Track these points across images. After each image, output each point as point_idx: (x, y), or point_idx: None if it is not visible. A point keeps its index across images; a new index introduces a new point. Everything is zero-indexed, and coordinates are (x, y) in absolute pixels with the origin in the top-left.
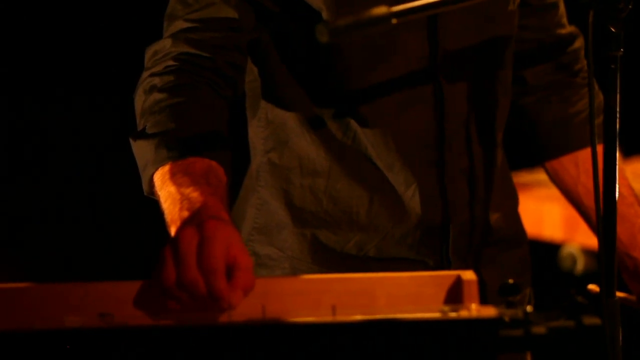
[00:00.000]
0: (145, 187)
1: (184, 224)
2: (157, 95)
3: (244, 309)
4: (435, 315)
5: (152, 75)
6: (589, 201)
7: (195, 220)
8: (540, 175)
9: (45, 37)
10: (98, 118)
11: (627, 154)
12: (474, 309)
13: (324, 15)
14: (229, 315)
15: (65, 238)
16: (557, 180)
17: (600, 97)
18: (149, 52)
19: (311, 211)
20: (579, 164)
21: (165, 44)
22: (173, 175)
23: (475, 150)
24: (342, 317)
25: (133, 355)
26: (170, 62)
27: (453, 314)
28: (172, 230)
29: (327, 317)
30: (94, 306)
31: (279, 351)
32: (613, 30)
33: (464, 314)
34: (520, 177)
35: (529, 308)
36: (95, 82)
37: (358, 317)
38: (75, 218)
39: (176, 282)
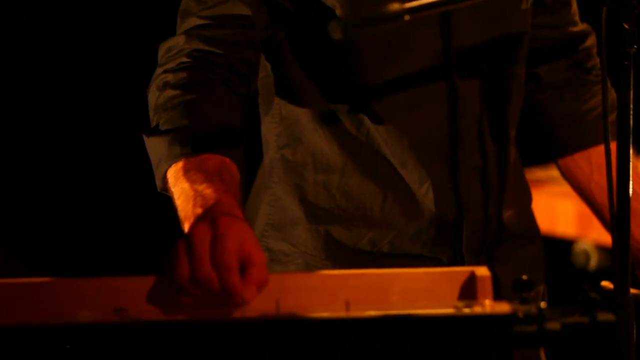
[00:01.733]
0: (158, 183)
1: (198, 221)
2: (170, 92)
3: (258, 304)
4: (449, 311)
5: (166, 72)
6: (602, 198)
7: (208, 216)
8: (554, 172)
9: (47, 37)
10: (118, 110)
11: None
12: (487, 305)
13: (338, 12)
14: (242, 311)
15: (78, 233)
16: (569, 177)
17: (613, 95)
18: (162, 49)
19: (325, 207)
20: (592, 161)
21: (178, 41)
22: (186, 172)
23: (489, 147)
24: (355, 313)
25: (147, 350)
26: (184, 59)
27: (467, 310)
28: (186, 227)
29: (341, 313)
30: (108, 301)
31: (293, 346)
32: (626, 27)
33: (477, 310)
34: (534, 174)
35: (542, 304)
36: (98, 81)
37: (372, 313)
38: (90, 213)
39: (190, 278)
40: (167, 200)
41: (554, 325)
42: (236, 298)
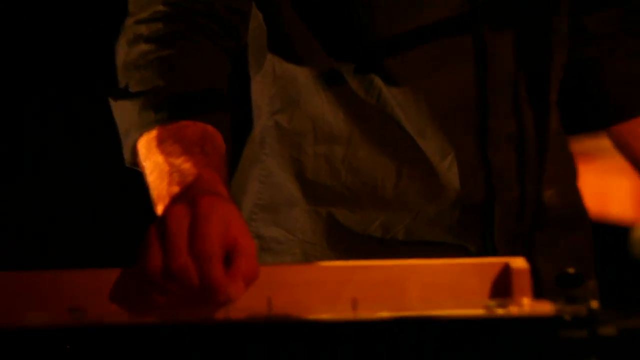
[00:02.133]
0: (127, 156)
1: (174, 201)
2: (143, 47)
3: (246, 303)
4: (479, 312)
5: (138, 22)
6: None
7: (187, 196)
8: (605, 142)
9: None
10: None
11: None
12: (526, 305)
13: None
14: (226, 311)
15: (28, 217)
16: (624, 148)
17: None
18: None
19: (327, 185)
20: None
21: None
22: (161, 142)
23: (525, 112)
24: (364, 314)
25: (109, 359)
26: (160, 7)
27: (500, 311)
28: (159, 209)
29: (346, 314)
30: (62, 299)
31: (287, 354)
32: None
33: (513, 310)
34: (580, 145)
35: (594, 304)
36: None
37: (384, 314)
38: (43, 192)
39: (163, 270)
40: (137, 176)
41: (608, 330)
42: (219, 295)
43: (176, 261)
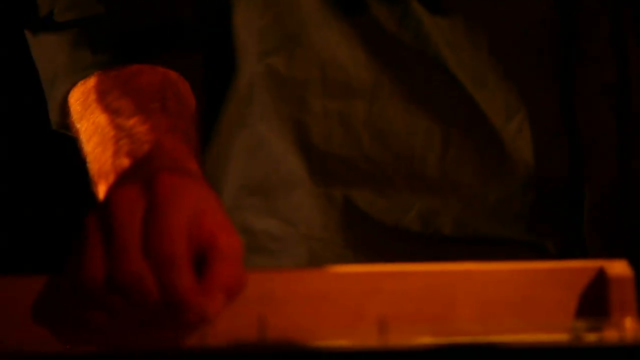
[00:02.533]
0: (53, 114)
1: (122, 180)
2: None
3: (228, 324)
4: (561, 337)
5: None
6: None
7: (141, 173)
8: None
9: None
10: None
11: None
12: (629, 328)
13: None
14: (201, 336)
15: None
16: None
17: None
18: None
19: (342, 157)
20: None
21: None
22: (103, 96)
23: (631, 54)
24: (396, 339)
25: None
26: None
27: (592, 337)
28: (101, 190)
29: (371, 339)
30: None
31: None
32: None
33: (610, 335)
34: None
35: None
36: None
37: (424, 340)
38: None
39: (106, 279)
40: (68, 142)
41: None
42: (189, 313)
43: (125, 267)
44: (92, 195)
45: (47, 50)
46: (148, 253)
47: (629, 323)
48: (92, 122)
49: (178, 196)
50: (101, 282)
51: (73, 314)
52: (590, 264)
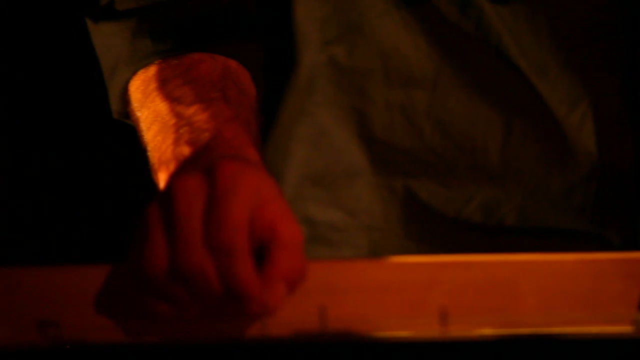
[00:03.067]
0: (114, 103)
1: (183, 169)
2: None
3: (289, 315)
4: (625, 329)
5: None
6: None
7: (202, 162)
8: None
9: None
10: None
11: None
12: None
13: None
14: (262, 327)
15: None
16: None
17: None
18: None
19: (403, 147)
20: None
21: None
22: (164, 84)
23: None
24: (457, 330)
25: None
26: None
27: None
28: (161, 178)
29: (432, 330)
30: (28, 308)
31: None
32: None
33: None
34: None
35: None
36: None
37: (486, 331)
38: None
39: (168, 270)
40: (131, 133)
41: None
42: (250, 304)
43: (187, 257)
44: (148, 183)
45: (108, 39)
46: (210, 244)
47: None
48: (152, 111)
49: (239, 185)
50: (164, 272)
51: (135, 304)
52: None
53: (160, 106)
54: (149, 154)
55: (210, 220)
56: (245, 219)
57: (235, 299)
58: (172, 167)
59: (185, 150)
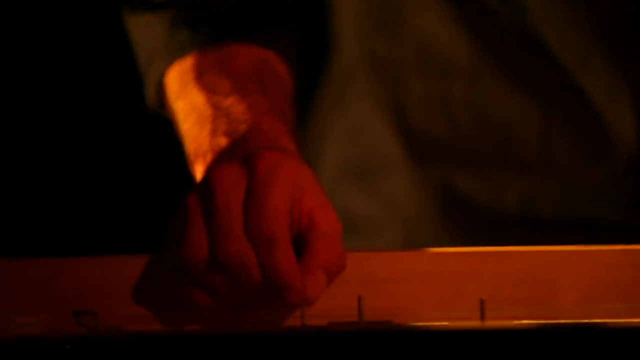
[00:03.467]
0: (150, 95)
1: (221, 159)
2: None
3: (327, 305)
4: None
5: None
6: None
7: (240, 151)
8: None
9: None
10: None
11: None
12: None
13: None
14: (301, 316)
15: (26, 191)
16: None
17: None
18: None
19: (440, 139)
20: None
21: None
22: (201, 75)
23: None
24: (496, 322)
25: None
26: None
27: None
28: (198, 170)
29: (470, 321)
30: (65, 298)
31: None
32: None
33: None
34: None
35: None
36: None
37: (525, 322)
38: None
39: (209, 259)
40: (167, 125)
41: None
42: (291, 294)
43: (227, 246)
44: (189, 175)
45: (144, 30)
46: (250, 234)
47: None
48: (188, 102)
49: (278, 175)
50: (204, 261)
51: (173, 294)
52: None
53: (197, 97)
54: (186, 146)
55: (250, 209)
56: (285, 209)
57: (275, 289)
58: (208, 158)
59: (222, 142)
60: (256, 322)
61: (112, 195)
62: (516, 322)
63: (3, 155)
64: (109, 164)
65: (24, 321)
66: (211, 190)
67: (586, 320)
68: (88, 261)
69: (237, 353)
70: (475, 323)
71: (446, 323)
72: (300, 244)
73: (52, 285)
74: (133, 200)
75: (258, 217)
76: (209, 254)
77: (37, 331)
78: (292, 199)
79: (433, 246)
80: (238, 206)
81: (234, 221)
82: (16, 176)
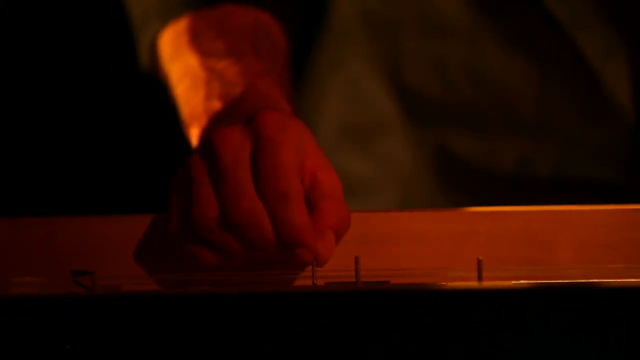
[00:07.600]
0: (142, 55)
1: (222, 121)
2: None
3: (328, 265)
4: None
5: None
6: None
7: (240, 113)
8: None
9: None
10: None
11: None
12: None
13: None
14: (312, 277)
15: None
16: None
17: None
18: None
19: (437, 99)
20: None
21: None
22: (194, 37)
23: None
24: (494, 282)
25: (134, 345)
26: None
27: None
28: (193, 134)
29: (469, 281)
30: (63, 257)
31: (389, 334)
32: None
33: None
34: None
35: None
36: None
37: (522, 283)
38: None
39: (219, 217)
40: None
41: None
42: (304, 252)
43: (239, 205)
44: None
45: None
46: (261, 191)
47: None
48: (182, 64)
49: (283, 133)
50: (215, 221)
51: (179, 254)
52: None
53: (191, 60)
54: (180, 109)
55: (260, 167)
56: (296, 166)
57: (289, 246)
58: (203, 121)
59: (217, 105)
60: (267, 282)
61: (112, 154)
62: (514, 282)
63: (2, 115)
64: (109, 121)
65: (22, 281)
66: (216, 152)
67: (584, 280)
68: (87, 220)
69: (237, 313)
70: (472, 283)
71: (443, 283)
72: (308, 203)
73: (50, 244)
74: (133, 158)
75: (271, 174)
76: (219, 213)
77: (35, 291)
78: (299, 157)
79: (430, 207)
80: (246, 165)
81: (244, 180)
82: (16, 133)
